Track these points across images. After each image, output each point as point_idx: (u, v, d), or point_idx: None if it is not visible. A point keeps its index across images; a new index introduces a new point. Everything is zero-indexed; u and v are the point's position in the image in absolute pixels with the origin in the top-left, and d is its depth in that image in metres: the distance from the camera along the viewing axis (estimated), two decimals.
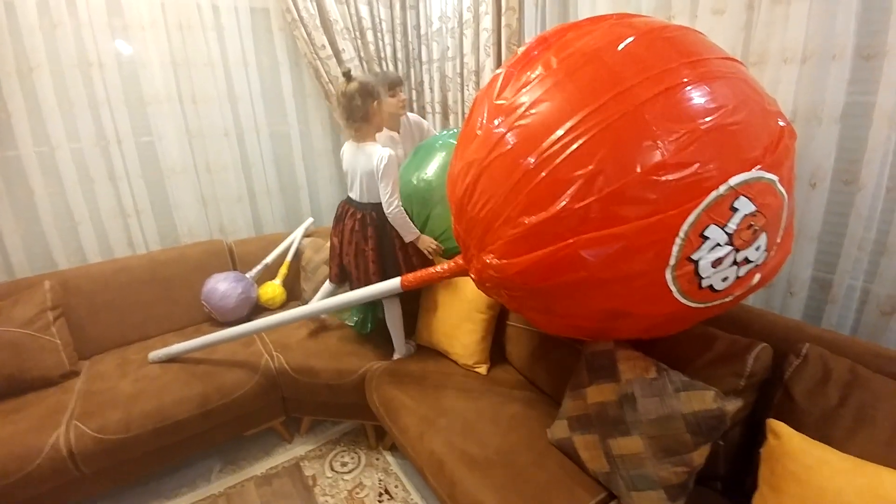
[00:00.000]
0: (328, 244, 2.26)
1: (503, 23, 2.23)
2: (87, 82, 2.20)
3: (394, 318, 1.96)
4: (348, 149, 1.85)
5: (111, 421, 1.71)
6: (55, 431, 1.65)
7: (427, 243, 1.85)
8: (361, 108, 1.69)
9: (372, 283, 1.78)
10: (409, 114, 2.54)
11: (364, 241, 1.82)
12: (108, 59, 2.23)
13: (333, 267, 1.99)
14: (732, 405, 1.13)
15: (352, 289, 1.91)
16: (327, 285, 2.09)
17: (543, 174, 1.04)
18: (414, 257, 1.88)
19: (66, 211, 2.28)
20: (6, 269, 2.23)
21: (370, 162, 1.71)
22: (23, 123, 2.12)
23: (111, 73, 2.25)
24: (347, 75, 1.72)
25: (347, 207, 1.90)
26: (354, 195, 1.86)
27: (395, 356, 2.01)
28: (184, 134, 2.46)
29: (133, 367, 2.01)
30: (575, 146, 1.01)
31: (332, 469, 1.99)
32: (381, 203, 1.76)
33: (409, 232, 1.81)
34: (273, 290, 2.45)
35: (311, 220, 2.72)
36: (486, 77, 2.37)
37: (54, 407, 1.78)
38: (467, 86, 2.53)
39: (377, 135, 1.85)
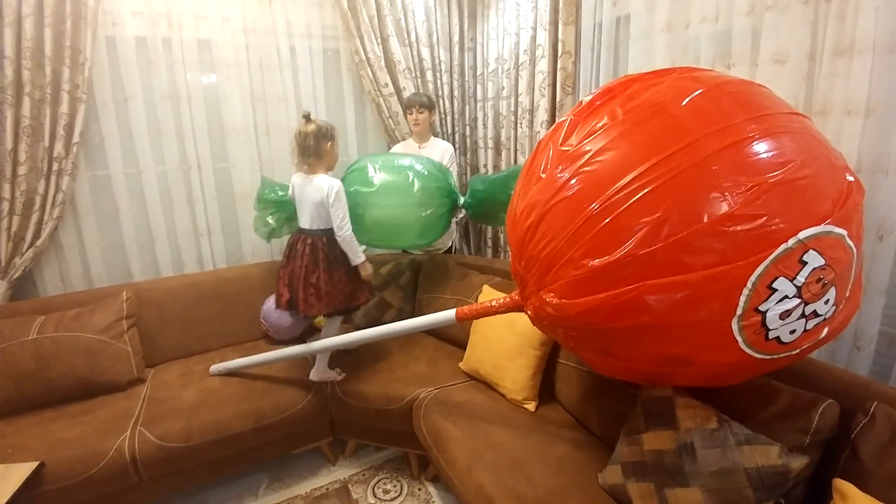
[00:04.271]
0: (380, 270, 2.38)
1: (559, 66, 2.31)
2: (175, 113, 2.42)
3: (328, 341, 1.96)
4: (298, 181, 1.95)
5: (173, 429, 1.76)
6: (121, 436, 1.71)
7: (368, 270, 2.00)
8: (314, 147, 1.86)
9: (321, 305, 1.90)
10: (440, 141, 2.68)
11: (314, 264, 1.91)
12: (196, 92, 2.45)
13: (285, 293, 1.96)
14: (798, 462, 1.10)
15: (300, 313, 1.94)
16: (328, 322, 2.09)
17: (608, 220, 1.06)
18: (362, 282, 2.01)
19: (146, 227, 2.47)
20: (86, 279, 2.41)
21: (320, 192, 1.86)
22: (115, 147, 2.34)
23: (197, 106, 2.46)
24: (307, 118, 1.88)
25: (299, 235, 1.97)
26: (304, 224, 1.96)
27: (313, 376, 2.01)
28: (256, 162, 2.65)
29: (195, 378, 2.09)
30: (641, 194, 1.03)
31: (375, 495, 2.00)
32: (329, 229, 1.90)
33: (356, 255, 1.94)
34: None
35: (363, 247, 2.82)
36: (541, 116, 2.44)
37: (121, 412, 1.85)
38: (521, 124, 2.60)
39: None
